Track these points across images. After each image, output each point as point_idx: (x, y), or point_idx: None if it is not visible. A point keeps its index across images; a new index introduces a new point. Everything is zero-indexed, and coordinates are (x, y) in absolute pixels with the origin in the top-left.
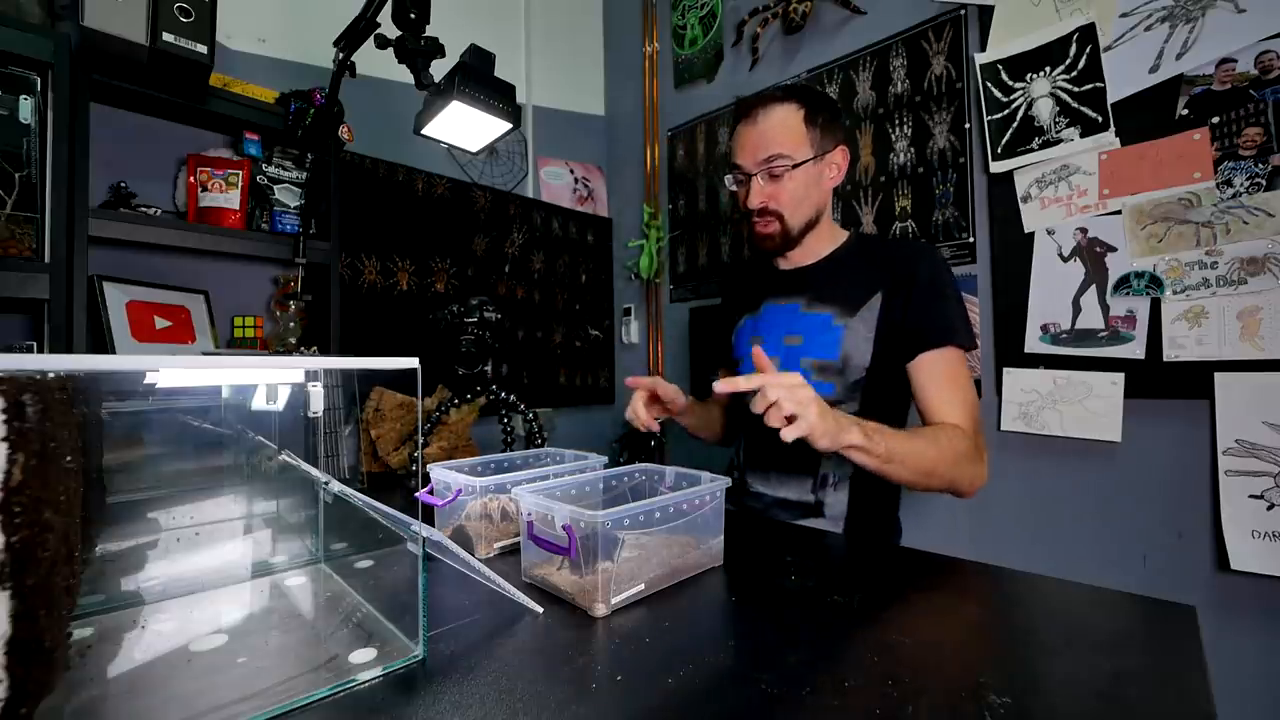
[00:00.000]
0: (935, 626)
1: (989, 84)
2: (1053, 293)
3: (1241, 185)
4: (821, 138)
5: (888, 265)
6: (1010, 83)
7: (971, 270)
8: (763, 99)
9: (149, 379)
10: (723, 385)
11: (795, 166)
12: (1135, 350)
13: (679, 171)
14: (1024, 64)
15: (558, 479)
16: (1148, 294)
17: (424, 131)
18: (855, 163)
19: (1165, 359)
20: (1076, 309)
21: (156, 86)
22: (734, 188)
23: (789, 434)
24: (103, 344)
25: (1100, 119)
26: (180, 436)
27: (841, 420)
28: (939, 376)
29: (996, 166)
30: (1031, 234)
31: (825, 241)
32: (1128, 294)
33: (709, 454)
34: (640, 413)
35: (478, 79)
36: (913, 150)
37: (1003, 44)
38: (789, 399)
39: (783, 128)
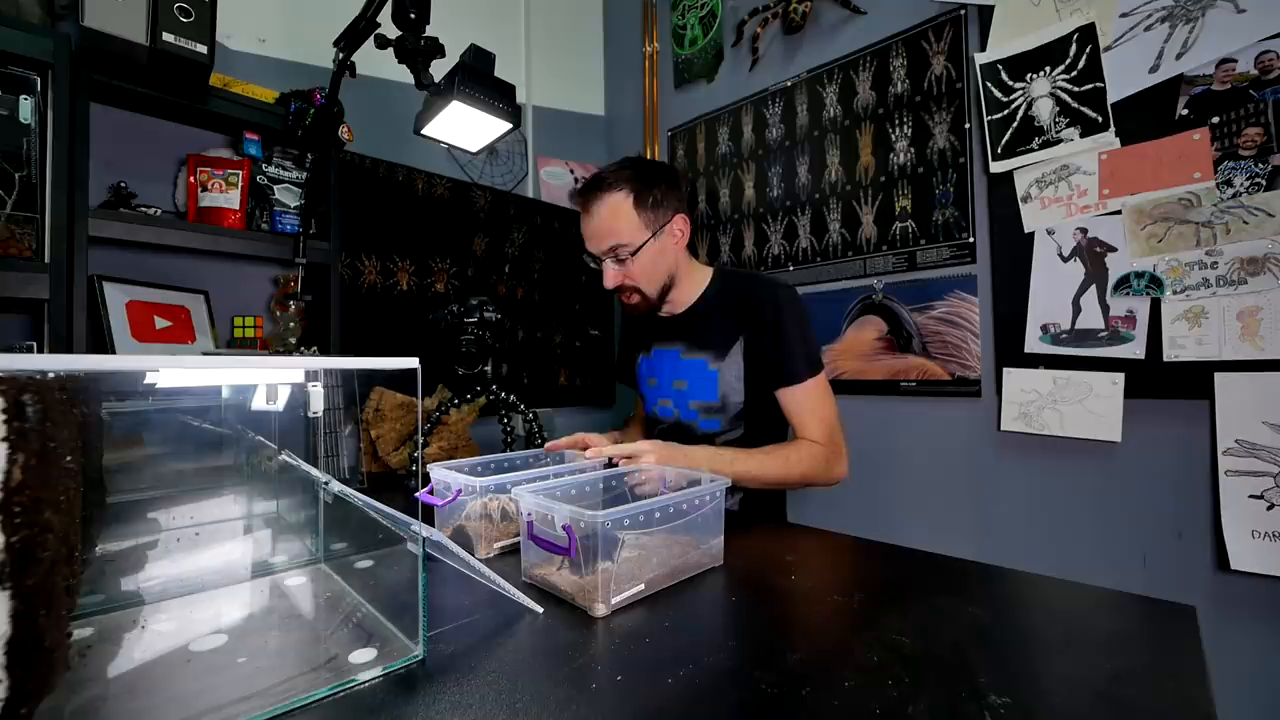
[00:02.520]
0: (935, 626)
1: (989, 84)
2: (1053, 293)
3: (1241, 185)
4: (655, 215)
5: (744, 310)
6: (1010, 83)
7: (971, 270)
8: (594, 189)
9: (149, 379)
10: (594, 454)
11: (635, 252)
12: (1135, 350)
13: (679, 171)
14: (1024, 64)
15: (558, 479)
16: (1148, 294)
17: (424, 131)
18: (855, 162)
19: (1165, 359)
20: (1076, 309)
21: (156, 86)
22: (594, 265)
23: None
24: (103, 344)
25: (1100, 119)
26: (180, 436)
27: (690, 458)
28: (797, 405)
29: (996, 166)
30: (1031, 234)
31: (690, 289)
32: (1128, 294)
33: None
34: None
35: (478, 79)
36: (913, 150)
37: (1003, 44)
38: (644, 476)
39: (615, 218)
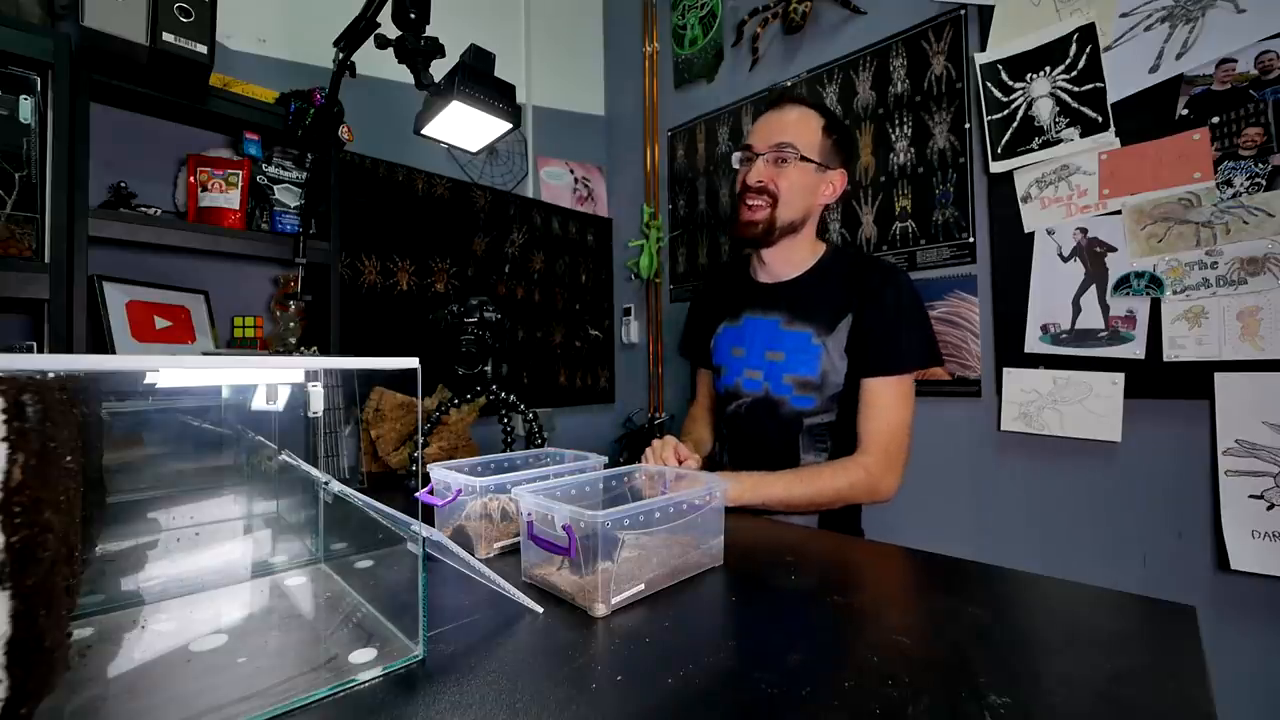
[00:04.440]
0: (935, 626)
1: (989, 84)
2: (1053, 293)
3: (1241, 185)
4: (831, 152)
5: (859, 287)
6: (1010, 83)
7: (971, 270)
8: (794, 96)
9: (149, 379)
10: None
11: (802, 158)
12: (1135, 350)
13: (679, 171)
14: (1024, 64)
15: (558, 479)
16: (1148, 294)
17: (424, 131)
18: (855, 162)
19: (1165, 359)
20: (1076, 309)
21: (156, 86)
22: (738, 165)
23: None
24: (103, 344)
25: (1100, 119)
26: (180, 436)
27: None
28: (873, 399)
29: (996, 166)
30: (1031, 234)
31: (804, 253)
32: (1128, 294)
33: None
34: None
35: (478, 79)
36: (913, 150)
37: (1003, 44)
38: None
39: (802, 124)
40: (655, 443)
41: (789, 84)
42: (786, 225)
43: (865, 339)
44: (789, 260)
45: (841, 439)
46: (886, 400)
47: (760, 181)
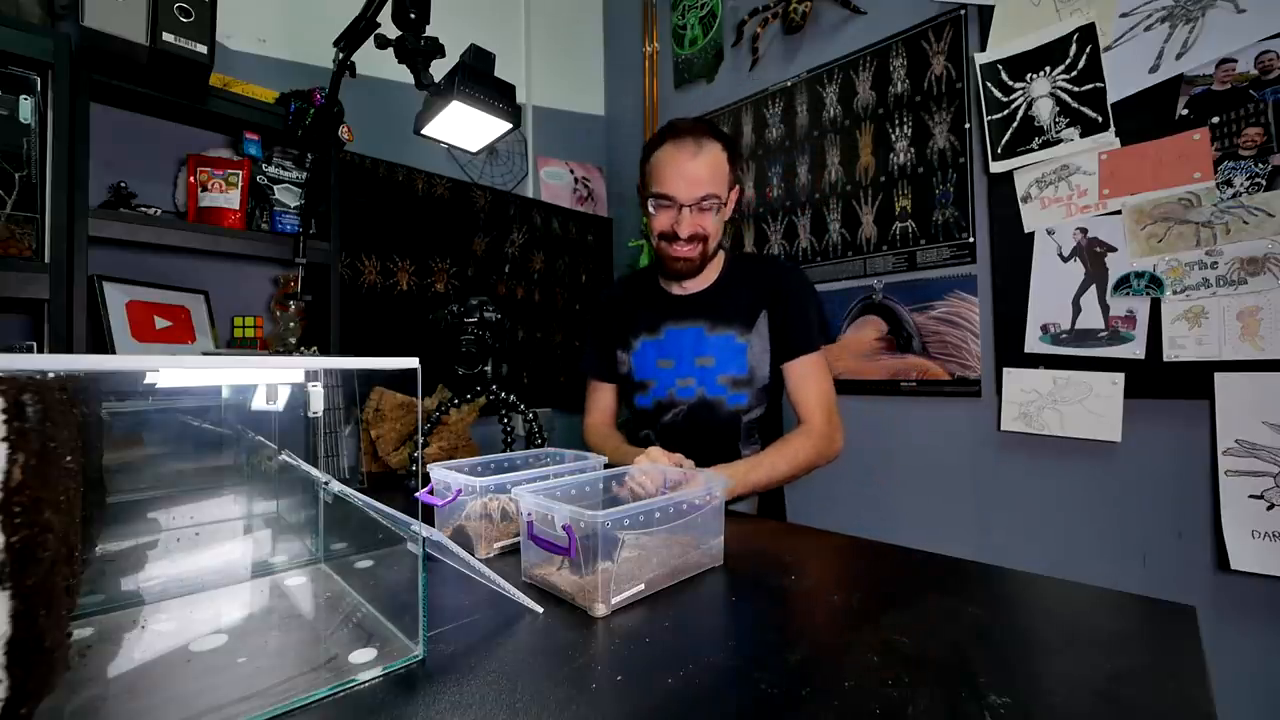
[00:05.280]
0: (935, 626)
1: (989, 84)
2: (1053, 293)
3: (1241, 185)
4: (733, 178)
5: (765, 285)
6: (1010, 83)
7: (971, 270)
8: (705, 133)
9: (149, 379)
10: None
11: (722, 205)
12: (1135, 350)
13: None
14: (1024, 64)
15: (558, 479)
16: (1148, 294)
17: (424, 131)
18: (855, 162)
19: (1165, 359)
20: (1076, 309)
21: (156, 86)
22: (654, 211)
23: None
24: (103, 344)
25: (1100, 119)
26: (180, 436)
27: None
28: (802, 377)
29: (996, 166)
30: (1031, 234)
31: (713, 267)
32: (1128, 294)
33: None
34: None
35: (478, 79)
36: (913, 150)
37: (1003, 44)
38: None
39: (716, 167)
40: (641, 459)
41: (789, 84)
42: (712, 255)
43: (783, 328)
44: (702, 276)
45: (769, 431)
46: (814, 374)
47: (693, 231)
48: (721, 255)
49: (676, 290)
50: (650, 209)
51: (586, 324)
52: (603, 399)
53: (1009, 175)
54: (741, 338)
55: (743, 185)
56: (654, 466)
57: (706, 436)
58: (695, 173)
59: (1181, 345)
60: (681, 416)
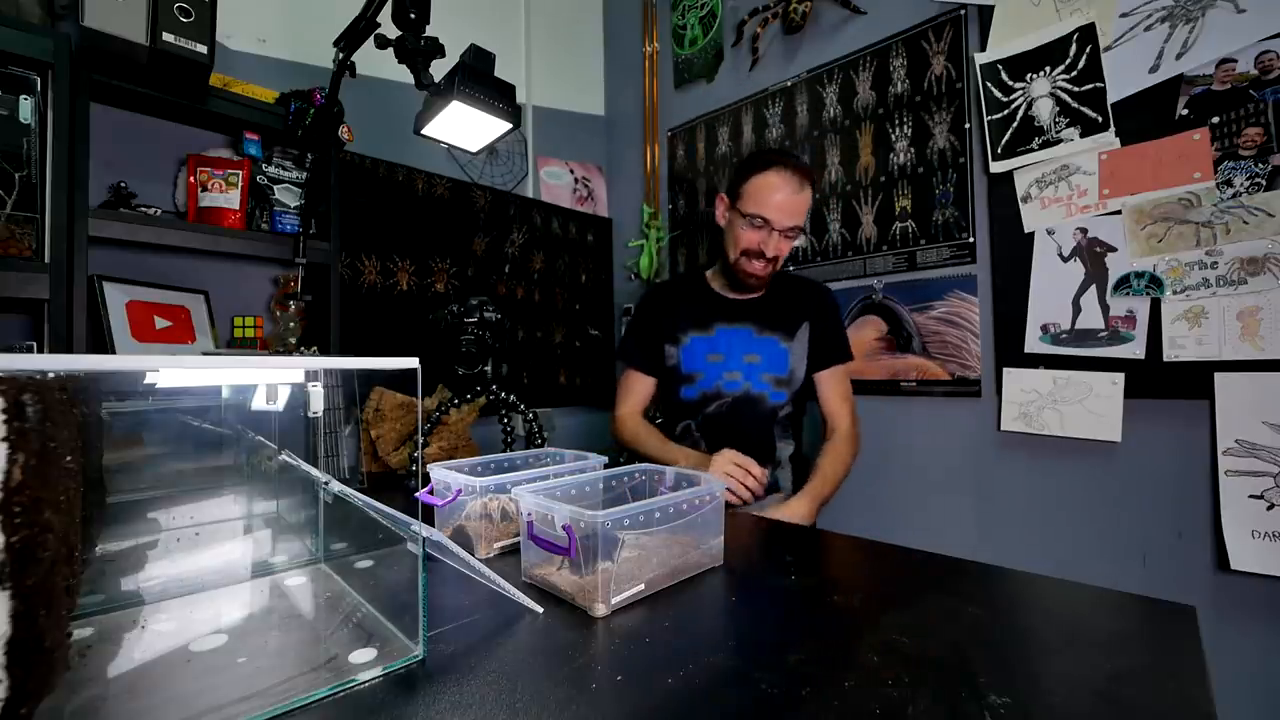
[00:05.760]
0: (935, 626)
1: (989, 84)
2: (1053, 293)
3: (1241, 185)
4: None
5: (807, 300)
6: (1010, 83)
7: (971, 270)
8: (804, 172)
9: (149, 379)
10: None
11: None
12: (1135, 350)
13: (679, 171)
14: (1024, 64)
15: (558, 479)
16: (1148, 294)
17: (424, 131)
18: (855, 162)
19: (1165, 359)
20: (1076, 309)
21: (156, 86)
22: (742, 228)
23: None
24: (103, 344)
25: (1100, 119)
26: (180, 436)
27: (794, 510)
28: (836, 384)
29: (996, 166)
30: (1031, 234)
31: None
32: (1128, 294)
33: None
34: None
35: (478, 79)
36: (913, 150)
37: (1003, 44)
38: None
39: (807, 207)
40: (728, 464)
41: (789, 84)
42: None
43: (822, 340)
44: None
45: (796, 427)
46: (844, 382)
47: (777, 254)
48: None
49: (731, 295)
50: (740, 225)
51: (630, 319)
52: (640, 389)
53: (1009, 175)
54: (784, 342)
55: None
56: (746, 460)
57: (746, 427)
58: (795, 206)
59: (1181, 345)
60: (726, 408)
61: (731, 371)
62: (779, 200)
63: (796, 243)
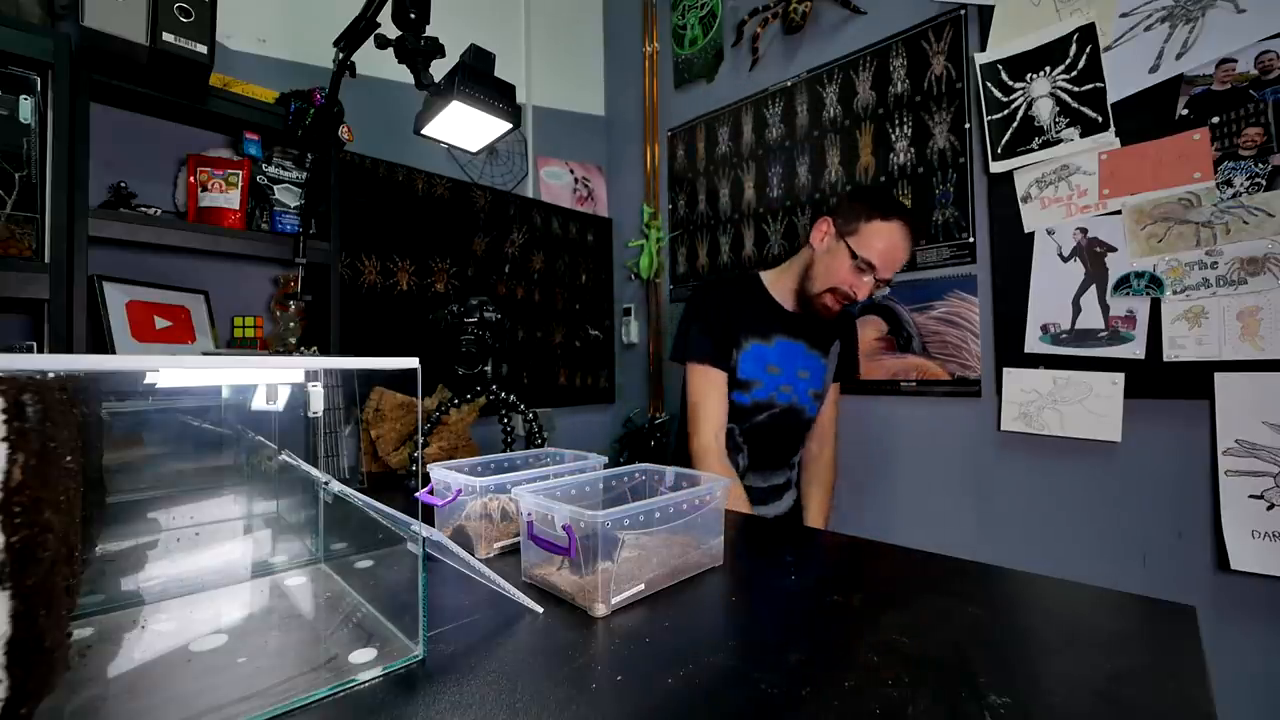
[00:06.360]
0: (935, 626)
1: (989, 84)
2: (1053, 293)
3: (1241, 185)
4: None
5: (840, 321)
6: (1010, 83)
7: (971, 270)
8: (913, 230)
9: (149, 379)
10: None
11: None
12: (1135, 350)
13: (679, 171)
14: (1024, 64)
15: (558, 479)
16: (1148, 294)
17: (424, 131)
18: (855, 162)
19: (1165, 359)
20: (1076, 309)
21: (156, 86)
22: (848, 266)
23: None
24: (103, 344)
25: (1100, 119)
26: (180, 436)
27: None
28: (833, 400)
29: (996, 166)
30: (1031, 234)
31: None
32: (1128, 294)
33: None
34: None
35: (478, 79)
36: (913, 150)
37: (1003, 44)
38: None
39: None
40: None
41: (789, 84)
42: None
43: (844, 359)
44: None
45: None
46: (836, 396)
47: (866, 296)
48: None
49: (790, 308)
50: (842, 258)
51: (691, 315)
52: (723, 393)
53: (1009, 175)
54: (824, 359)
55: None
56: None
57: (786, 435)
58: (897, 255)
59: (1181, 345)
60: (773, 417)
61: (786, 385)
62: (890, 253)
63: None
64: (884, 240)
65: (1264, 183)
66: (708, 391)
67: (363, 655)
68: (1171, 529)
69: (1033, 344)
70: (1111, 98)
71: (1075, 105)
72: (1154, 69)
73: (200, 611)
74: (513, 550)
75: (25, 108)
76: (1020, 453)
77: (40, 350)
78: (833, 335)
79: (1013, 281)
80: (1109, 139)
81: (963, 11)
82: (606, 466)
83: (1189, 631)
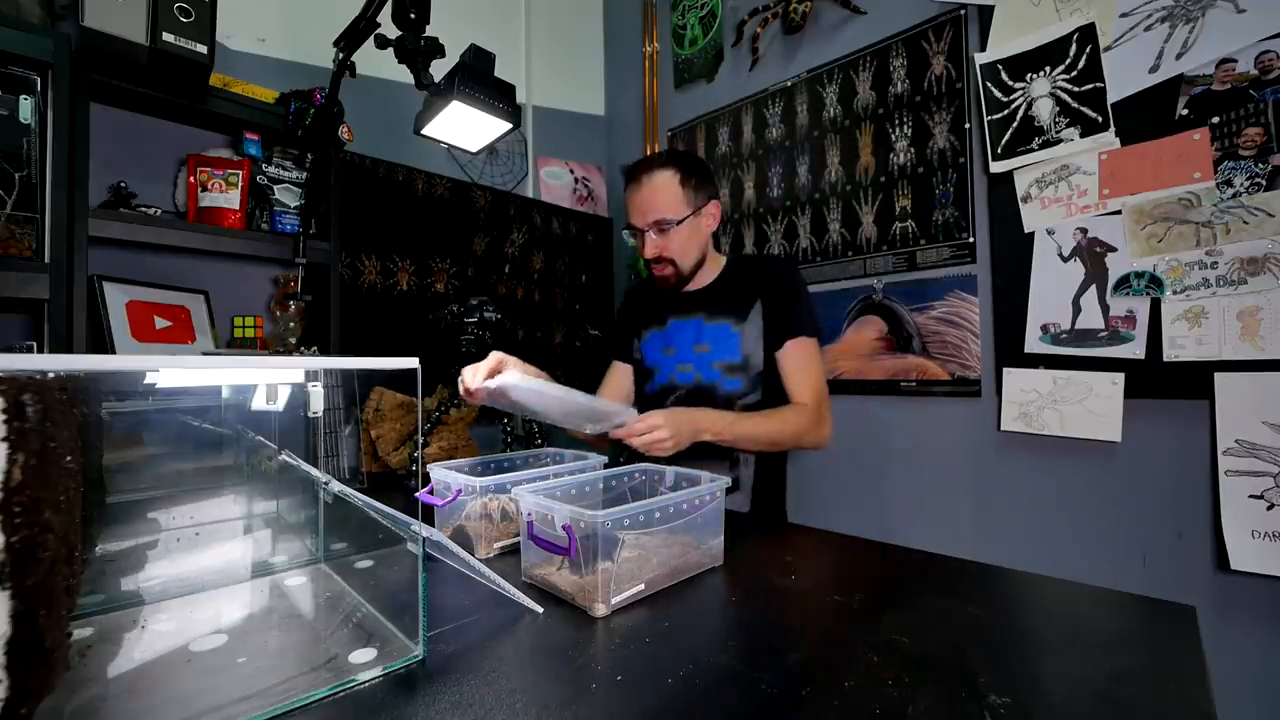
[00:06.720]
0: (935, 626)
1: (989, 84)
2: (1053, 293)
3: (1241, 185)
4: (696, 196)
5: (760, 277)
6: (1010, 83)
7: (971, 270)
8: (645, 165)
9: (149, 379)
10: (619, 434)
11: (678, 224)
12: (1135, 350)
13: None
14: (1024, 64)
15: (558, 479)
16: (1148, 294)
17: (424, 131)
18: (855, 162)
19: (1165, 359)
20: (1076, 309)
21: (156, 86)
22: (631, 240)
23: (664, 452)
24: (103, 344)
25: (1100, 119)
26: (180, 436)
27: (697, 423)
28: (792, 362)
29: (996, 166)
30: (1031, 234)
31: (711, 270)
32: (1128, 294)
33: None
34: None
35: (478, 79)
36: (913, 150)
37: (1003, 44)
38: (649, 439)
39: (664, 190)
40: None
41: (789, 84)
42: (691, 270)
43: (774, 315)
44: (701, 278)
45: None
46: (802, 359)
47: (656, 254)
48: (721, 258)
49: (682, 289)
50: (630, 240)
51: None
52: (616, 378)
53: (1009, 175)
54: (735, 326)
55: (716, 195)
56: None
57: None
58: (642, 203)
59: (1181, 345)
60: (680, 400)
61: (683, 364)
62: (630, 205)
63: (674, 235)
64: (630, 203)
65: (1264, 183)
66: (606, 379)
67: (363, 655)
68: (1171, 529)
69: (1033, 344)
70: (1111, 98)
71: (1075, 105)
72: (1154, 69)
73: (200, 611)
74: (513, 550)
75: (25, 108)
76: (1020, 453)
77: (40, 350)
78: (746, 297)
79: (1013, 281)
80: (1109, 139)
81: (963, 11)
82: (606, 466)
83: (1189, 631)
